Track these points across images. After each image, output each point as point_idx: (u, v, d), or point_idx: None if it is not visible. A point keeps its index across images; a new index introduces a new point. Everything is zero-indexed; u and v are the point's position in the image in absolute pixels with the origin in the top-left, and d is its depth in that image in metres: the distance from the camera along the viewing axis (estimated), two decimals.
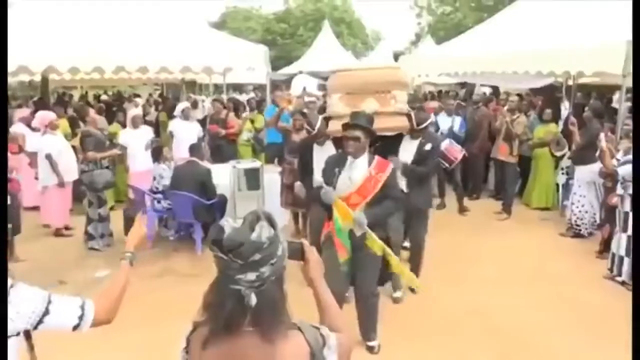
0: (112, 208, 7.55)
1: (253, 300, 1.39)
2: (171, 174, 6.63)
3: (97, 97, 17.68)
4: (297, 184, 5.70)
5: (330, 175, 3.82)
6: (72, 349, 4.13)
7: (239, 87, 24.74)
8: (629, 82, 7.47)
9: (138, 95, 17.25)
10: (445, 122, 8.88)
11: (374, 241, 3.65)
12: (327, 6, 43.00)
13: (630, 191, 5.23)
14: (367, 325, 4.14)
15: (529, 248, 6.73)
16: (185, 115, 8.92)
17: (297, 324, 1.47)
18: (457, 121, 8.77)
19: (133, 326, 4.54)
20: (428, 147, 5.05)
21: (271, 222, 1.44)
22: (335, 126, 4.53)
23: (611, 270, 5.60)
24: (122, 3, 7.97)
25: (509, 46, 8.62)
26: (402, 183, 4.85)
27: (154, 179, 6.80)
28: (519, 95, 11.09)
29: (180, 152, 8.07)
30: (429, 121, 5.24)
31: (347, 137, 3.76)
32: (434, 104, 10.16)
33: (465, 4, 28.98)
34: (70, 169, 7.06)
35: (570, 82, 13.00)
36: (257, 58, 8.84)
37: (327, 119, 5.01)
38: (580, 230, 6.97)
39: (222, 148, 9.03)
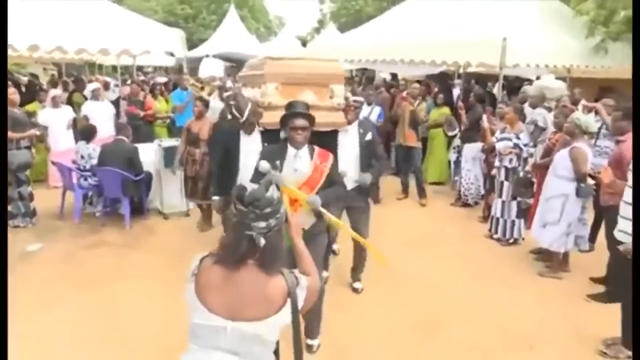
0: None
1: (262, 241, 1.90)
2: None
3: None
4: (215, 199, 4.90)
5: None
6: (29, 312, 4.46)
7: (139, 69, 24.31)
8: (505, 72, 8.75)
9: (36, 76, 16.57)
10: (363, 111, 9.49)
11: (331, 219, 3.50)
12: None
13: (506, 163, 6.32)
14: (311, 320, 3.93)
15: (426, 217, 7.74)
16: (95, 96, 9.04)
17: (280, 269, 1.99)
18: (376, 110, 8.76)
19: (84, 289, 4.96)
20: (369, 136, 4.88)
21: (278, 188, 2.05)
22: (271, 118, 4.16)
23: (490, 230, 6.69)
24: None
25: (407, 36, 9.56)
26: (351, 178, 4.68)
27: (82, 157, 6.96)
28: (418, 81, 12.16)
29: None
30: (361, 98, 5.20)
31: (295, 127, 3.59)
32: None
33: None
34: None
35: (461, 71, 14.42)
36: (175, 42, 9.14)
37: (261, 108, 4.56)
38: (467, 200, 8.10)
39: (139, 129, 9.22)
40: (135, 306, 4.66)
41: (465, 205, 8.11)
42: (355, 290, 5.11)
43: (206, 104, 7.09)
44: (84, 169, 6.99)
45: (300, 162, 3.64)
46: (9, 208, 6.64)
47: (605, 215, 5.02)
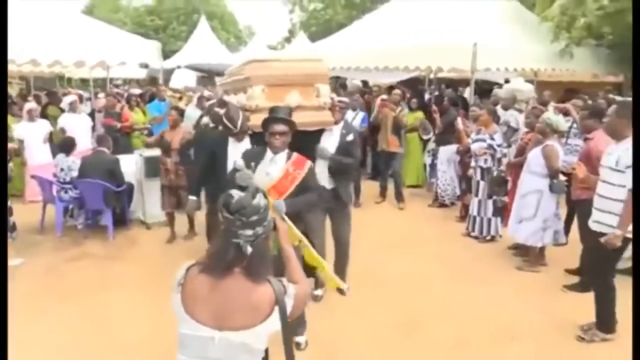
0: None
1: (249, 250, 1.89)
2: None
3: None
4: (191, 199, 5.01)
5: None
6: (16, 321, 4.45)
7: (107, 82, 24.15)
8: (476, 76, 9.05)
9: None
10: (347, 115, 9.60)
11: (291, 229, 3.39)
12: (198, 0, 42.61)
13: (481, 163, 6.55)
14: (297, 321, 3.69)
15: (405, 219, 7.93)
16: (73, 109, 9.01)
17: (267, 277, 1.95)
18: (360, 116, 8.76)
19: (68, 301, 4.97)
20: (350, 137, 4.88)
21: (265, 196, 2.01)
22: (259, 120, 4.08)
23: (468, 228, 6.90)
24: None
25: (381, 43, 9.85)
26: (326, 178, 4.75)
27: (62, 170, 6.94)
28: (391, 87, 12.41)
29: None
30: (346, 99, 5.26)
31: (274, 132, 3.64)
32: None
33: (336, 2, 30.51)
34: None
35: (432, 76, 14.78)
36: (151, 53, 9.18)
37: (248, 111, 4.60)
38: (444, 200, 8.32)
39: (117, 140, 9.19)
40: (119, 316, 4.68)
41: (442, 205, 8.33)
42: (340, 291, 4.93)
43: (181, 113, 7.16)
44: (64, 181, 6.97)
45: (274, 167, 3.67)
46: None
47: (577, 209, 5.28)
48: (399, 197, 8.51)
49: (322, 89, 4.69)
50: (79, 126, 8.62)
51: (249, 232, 1.90)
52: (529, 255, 5.79)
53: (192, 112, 8.26)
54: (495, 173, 6.47)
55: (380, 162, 9.10)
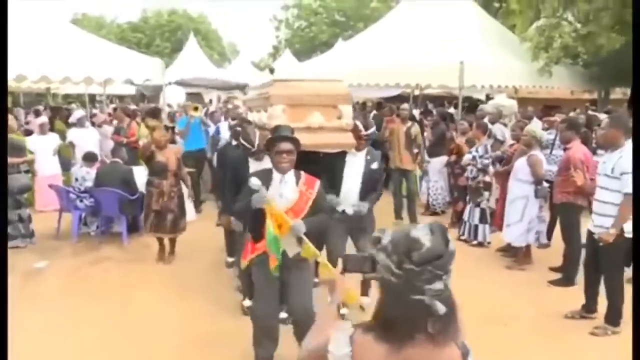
0: None
1: (441, 308, 1.47)
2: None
3: None
4: (226, 217, 5.08)
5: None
6: (44, 322, 4.84)
7: (92, 98, 24.42)
8: (464, 93, 9.73)
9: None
10: None
11: (309, 247, 3.38)
12: (182, 17, 43.17)
13: (468, 173, 7.13)
14: None
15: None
16: (81, 123, 9.43)
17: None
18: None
19: (99, 298, 5.38)
20: (375, 165, 4.77)
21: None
22: None
23: (461, 234, 7.42)
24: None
25: (371, 62, 10.45)
26: (351, 203, 4.68)
27: (76, 180, 7.36)
28: (379, 104, 13.04)
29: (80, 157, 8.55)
30: (373, 128, 5.01)
31: (280, 151, 3.54)
32: None
33: (320, 20, 31.32)
34: None
35: (417, 92, 15.51)
36: (154, 70, 9.64)
37: (268, 131, 4.27)
38: (436, 208, 8.88)
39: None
40: (147, 312, 5.10)
41: (434, 214, 8.88)
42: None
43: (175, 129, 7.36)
44: (79, 191, 7.37)
45: (286, 188, 3.59)
46: (8, 230, 6.92)
47: (560, 211, 5.86)
48: (413, 217, 8.13)
49: (345, 110, 4.60)
50: (87, 140, 9.02)
51: (439, 284, 1.50)
52: (517, 256, 6.35)
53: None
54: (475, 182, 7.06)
55: (394, 181, 8.47)
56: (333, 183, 4.67)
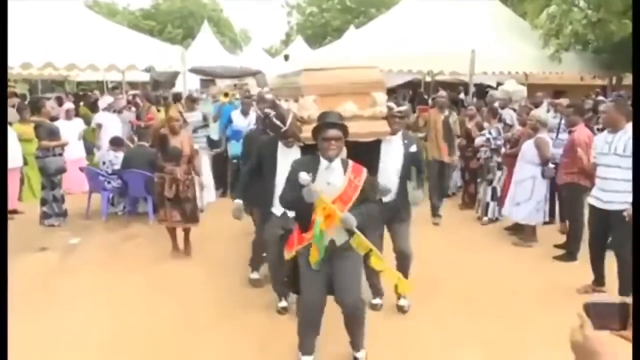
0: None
1: None
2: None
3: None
4: (238, 202, 4.64)
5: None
6: (83, 293, 5.25)
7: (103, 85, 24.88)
8: (474, 80, 10.01)
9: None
10: None
11: (361, 240, 3.41)
12: (194, 4, 43.30)
13: (481, 154, 7.46)
14: (356, 335, 3.80)
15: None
16: (108, 108, 9.89)
17: None
18: None
19: (136, 270, 5.81)
20: (413, 148, 4.59)
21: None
22: (310, 132, 3.81)
23: (477, 212, 7.80)
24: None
25: (385, 49, 10.73)
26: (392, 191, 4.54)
27: (103, 163, 7.79)
28: (391, 89, 13.29)
29: (106, 140, 8.94)
30: (407, 106, 4.88)
31: (328, 137, 3.49)
32: None
33: (332, 6, 31.46)
34: (15, 157, 7.73)
35: (428, 79, 15.77)
36: (176, 58, 10.02)
37: (300, 122, 4.29)
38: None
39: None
40: (182, 283, 5.50)
41: (446, 196, 9.21)
42: (400, 308, 4.80)
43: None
44: (108, 173, 7.79)
45: (333, 175, 3.52)
46: (44, 209, 7.37)
47: (565, 191, 6.19)
48: (435, 212, 7.68)
49: (379, 98, 4.38)
50: (113, 124, 9.47)
51: None
52: (523, 234, 6.69)
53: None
54: (491, 163, 7.41)
55: (432, 174, 7.66)
56: (369, 173, 4.52)
